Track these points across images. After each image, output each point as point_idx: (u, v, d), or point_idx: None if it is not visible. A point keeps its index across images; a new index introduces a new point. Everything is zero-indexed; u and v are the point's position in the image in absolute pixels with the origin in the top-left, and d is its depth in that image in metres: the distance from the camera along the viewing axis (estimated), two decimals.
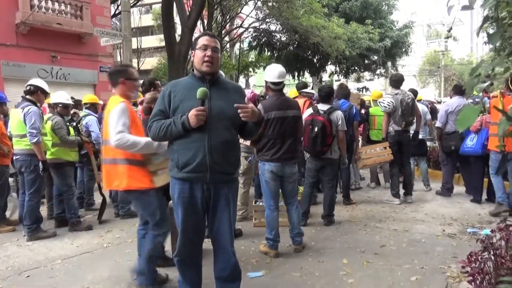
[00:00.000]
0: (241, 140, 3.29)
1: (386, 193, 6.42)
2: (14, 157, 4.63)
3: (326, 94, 4.93)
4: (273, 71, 3.85)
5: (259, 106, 3.94)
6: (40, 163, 4.48)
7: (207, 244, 2.66)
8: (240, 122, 2.44)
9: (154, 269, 3.15)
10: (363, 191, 6.97)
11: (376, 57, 21.93)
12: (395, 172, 5.97)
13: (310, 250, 4.02)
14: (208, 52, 2.44)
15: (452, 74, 36.13)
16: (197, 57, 2.47)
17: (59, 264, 3.80)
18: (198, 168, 2.37)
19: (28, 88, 4.61)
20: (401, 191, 6.06)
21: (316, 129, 4.52)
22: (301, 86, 6.68)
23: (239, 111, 2.33)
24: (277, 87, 3.86)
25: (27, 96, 4.58)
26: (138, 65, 25.92)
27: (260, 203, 5.00)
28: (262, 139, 3.85)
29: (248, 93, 4.95)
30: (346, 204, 5.95)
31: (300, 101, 6.12)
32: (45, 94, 4.71)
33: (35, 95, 4.58)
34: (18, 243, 4.47)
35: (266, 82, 3.90)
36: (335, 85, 11.94)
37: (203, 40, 2.48)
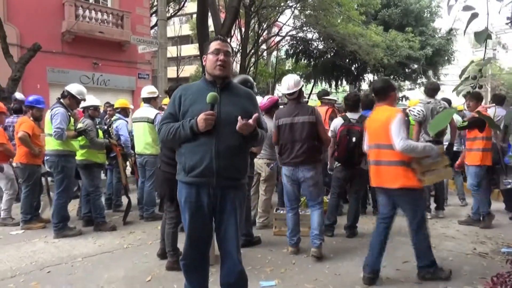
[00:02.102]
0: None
1: None
2: (45, 158, 4.84)
3: (354, 103, 4.86)
4: (285, 84, 4.10)
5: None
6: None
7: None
8: None
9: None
10: None
11: (416, 66, 21.22)
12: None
13: (327, 262, 3.90)
14: (221, 56, 2.44)
15: (501, 84, 34.26)
16: (209, 61, 2.47)
17: (79, 262, 3.91)
18: (204, 172, 2.35)
19: (62, 91, 4.86)
20: (433, 205, 5.77)
21: (354, 139, 4.48)
22: (322, 94, 6.59)
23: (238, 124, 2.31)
24: (290, 97, 4.10)
25: (61, 100, 4.81)
26: (177, 73, 26.65)
27: (281, 211, 4.93)
28: (279, 144, 4.13)
29: (265, 98, 4.93)
30: (376, 215, 5.77)
31: (322, 109, 6.03)
32: (75, 99, 4.82)
33: (66, 99, 4.80)
34: (45, 240, 4.67)
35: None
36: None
37: (215, 45, 2.48)
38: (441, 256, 4.04)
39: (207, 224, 2.49)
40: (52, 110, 4.65)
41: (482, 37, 1.26)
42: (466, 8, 1.38)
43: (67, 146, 4.69)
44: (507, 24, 1.78)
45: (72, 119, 4.82)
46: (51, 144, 4.67)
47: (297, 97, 4.08)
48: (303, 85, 4.27)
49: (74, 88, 4.84)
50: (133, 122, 5.70)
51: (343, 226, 4.87)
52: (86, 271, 3.69)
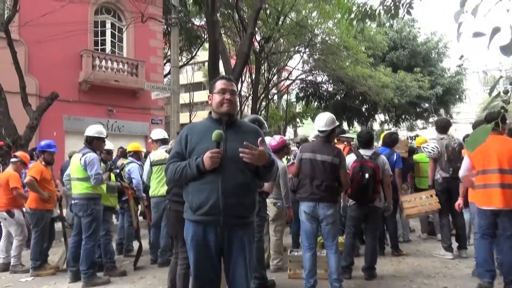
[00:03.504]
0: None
1: (438, 246, 5.87)
2: (72, 202, 4.79)
3: (367, 140, 4.84)
4: (319, 121, 4.15)
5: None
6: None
7: None
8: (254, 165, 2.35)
9: None
10: (412, 244, 6.44)
11: (427, 105, 21.28)
12: (445, 223, 5.48)
13: None
14: (227, 96, 2.45)
15: None
16: (215, 100, 2.48)
17: None
18: (211, 211, 2.30)
19: (86, 138, 4.85)
20: (455, 245, 5.52)
21: (367, 175, 4.40)
22: (340, 132, 6.56)
23: (240, 154, 2.26)
24: (322, 134, 4.13)
25: (87, 144, 4.82)
26: (190, 118, 27.17)
27: (296, 253, 4.77)
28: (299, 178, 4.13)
29: (278, 138, 4.90)
30: (395, 255, 5.55)
31: (340, 147, 5.98)
32: (101, 139, 4.87)
33: (93, 143, 4.81)
34: (55, 286, 4.57)
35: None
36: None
37: (220, 84, 2.49)
38: None
39: (214, 264, 2.39)
40: (84, 155, 4.63)
41: (509, 49, 1.24)
42: (476, 34, 1.37)
43: (95, 189, 4.68)
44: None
45: (102, 163, 4.86)
46: (78, 188, 4.66)
47: (327, 136, 4.10)
48: (337, 125, 4.26)
49: (92, 130, 4.83)
50: (154, 165, 5.44)
51: (360, 268, 4.67)
52: None
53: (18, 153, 5.89)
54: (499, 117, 3.67)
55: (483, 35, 1.48)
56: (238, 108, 2.84)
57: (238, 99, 2.60)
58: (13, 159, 5.73)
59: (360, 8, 5.50)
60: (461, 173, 4.24)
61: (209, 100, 2.56)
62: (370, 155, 4.61)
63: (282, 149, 4.91)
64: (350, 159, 4.70)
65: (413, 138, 24.96)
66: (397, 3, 5.16)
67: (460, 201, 4.78)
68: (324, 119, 4.08)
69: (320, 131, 4.09)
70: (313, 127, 4.48)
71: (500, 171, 3.79)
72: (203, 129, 2.47)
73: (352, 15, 5.57)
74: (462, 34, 1.54)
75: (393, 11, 5.24)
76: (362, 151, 4.74)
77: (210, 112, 2.57)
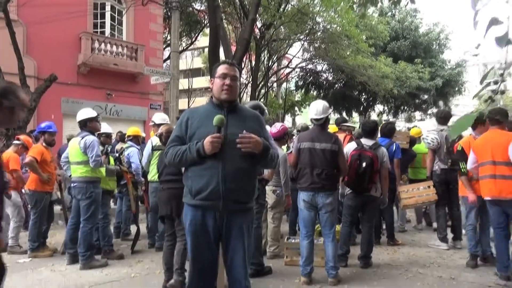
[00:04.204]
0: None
1: (433, 237, 5.93)
2: (72, 185, 4.79)
3: (371, 129, 4.83)
4: (314, 109, 4.12)
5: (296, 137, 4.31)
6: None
7: None
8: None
9: None
10: (408, 234, 6.50)
11: (426, 96, 21.23)
12: (441, 214, 5.52)
13: None
14: (227, 81, 2.43)
15: None
16: (216, 85, 2.47)
17: None
18: (211, 195, 2.30)
19: (79, 123, 4.81)
20: (450, 235, 5.57)
21: (364, 164, 4.41)
22: (341, 121, 6.57)
23: (238, 145, 2.28)
24: (317, 122, 4.13)
25: (84, 128, 4.79)
26: (188, 104, 27.07)
27: (293, 240, 4.81)
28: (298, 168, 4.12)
29: (278, 126, 4.89)
30: (391, 245, 5.60)
31: (340, 136, 5.98)
32: (95, 119, 4.81)
33: (88, 125, 4.77)
34: (52, 268, 4.59)
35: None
36: None
37: (222, 69, 2.47)
38: None
39: (212, 249, 2.40)
40: (84, 138, 4.61)
41: (503, 41, 1.23)
42: (493, 21, 1.35)
43: (95, 172, 4.69)
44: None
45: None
46: (78, 172, 4.66)
47: (323, 124, 4.12)
48: (330, 113, 4.26)
49: (81, 114, 4.79)
50: (156, 149, 5.23)
51: (356, 256, 4.71)
52: None
53: (22, 137, 5.86)
54: (499, 112, 3.80)
55: (501, 22, 1.45)
56: (238, 93, 2.81)
57: (239, 84, 2.57)
58: (15, 142, 5.71)
59: None
60: (469, 166, 4.39)
61: (210, 84, 2.55)
62: (371, 145, 4.62)
63: (283, 137, 4.91)
64: (350, 147, 4.70)
65: (409, 129, 25.03)
66: None
67: (472, 195, 4.48)
68: (320, 107, 4.08)
69: (316, 119, 4.09)
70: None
71: (493, 163, 3.99)
72: (204, 114, 2.46)
73: None
74: (478, 23, 1.52)
75: None
76: (363, 141, 4.74)
77: (212, 97, 2.56)
